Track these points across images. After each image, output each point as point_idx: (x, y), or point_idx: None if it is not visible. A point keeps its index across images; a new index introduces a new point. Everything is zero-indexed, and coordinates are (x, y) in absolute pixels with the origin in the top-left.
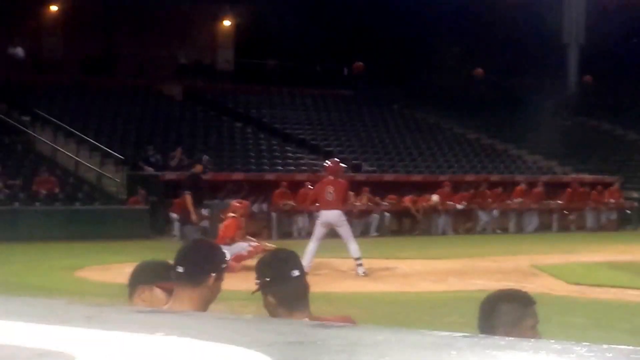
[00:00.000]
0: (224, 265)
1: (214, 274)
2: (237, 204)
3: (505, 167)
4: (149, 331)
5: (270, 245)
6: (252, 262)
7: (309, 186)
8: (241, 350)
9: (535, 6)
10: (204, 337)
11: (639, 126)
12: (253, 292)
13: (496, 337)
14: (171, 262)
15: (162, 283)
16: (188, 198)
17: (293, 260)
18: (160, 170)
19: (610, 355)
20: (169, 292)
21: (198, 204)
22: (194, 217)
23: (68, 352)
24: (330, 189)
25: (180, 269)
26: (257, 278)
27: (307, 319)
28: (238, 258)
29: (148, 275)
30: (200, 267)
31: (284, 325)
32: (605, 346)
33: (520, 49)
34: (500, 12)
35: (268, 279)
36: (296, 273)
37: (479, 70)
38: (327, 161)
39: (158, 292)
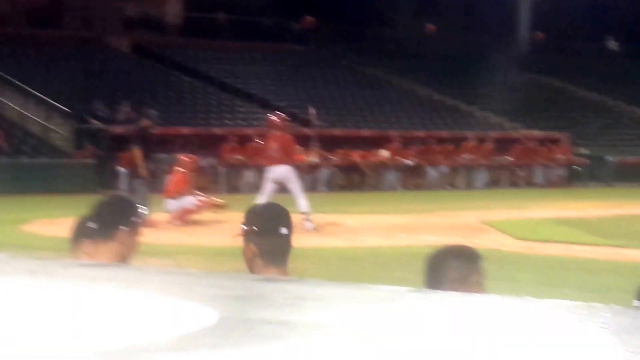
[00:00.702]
0: (135, 219)
1: (124, 228)
2: (186, 159)
3: (455, 123)
4: (93, 284)
5: (218, 200)
6: (199, 216)
7: (258, 141)
8: (186, 304)
9: None
10: (148, 291)
11: (589, 83)
12: (235, 236)
13: (441, 291)
14: None
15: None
16: (137, 152)
17: (285, 217)
18: (108, 124)
19: (554, 310)
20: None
21: (146, 158)
22: (143, 171)
23: (11, 305)
24: (279, 143)
25: (91, 225)
26: (244, 224)
27: (280, 275)
28: (185, 212)
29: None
30: (109, 221)
31: (230, 280)
32: (549, 301)
33: (472, 6)
34: None
35: (255, 229)
36: (284, 231)
37: (431, 27)
38: (272, 116)
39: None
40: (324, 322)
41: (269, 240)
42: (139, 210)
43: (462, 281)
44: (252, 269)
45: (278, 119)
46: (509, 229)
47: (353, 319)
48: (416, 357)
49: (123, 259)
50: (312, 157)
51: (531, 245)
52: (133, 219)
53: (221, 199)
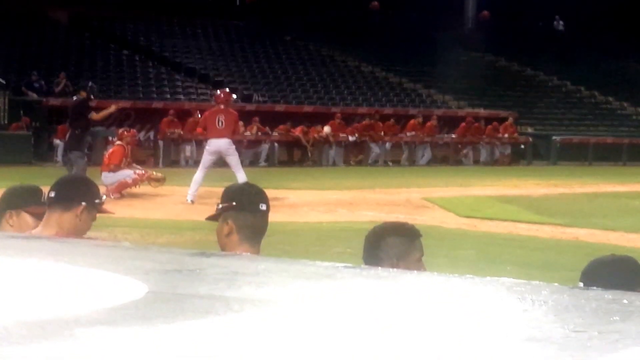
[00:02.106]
0: (97, 201)
1: (84, 203)
2: (124, 132)
3: (399, 100)
4: (23, 256)
5: (156, 173)
6: (137, 189)
7: (198, 115)
8: (117, 277)
9: None
10: (80, 264)
11: (535, 62)
12: (208, 218)
13: (379, 268)
14: (41, 187)
15: (31, 208)
16: (96, 116)
17: (263, 195)
18: (44, 96)
19: (493, 287)
20: (39, 216)
21: (84, 131)
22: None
23: None
24: (222, 117)
25: (52, 194)
26: (222, 202)
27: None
28: (122, 185)
29: (16, 200)
30: (71, 193)
31: (163, 254)
32: (488, 278)
33: None
34: None
35: (235, 204)
36: (264, 207)
37: (375, 4)
38: (217, 91)
39: (26, 217)
40: (258, 297)
41: (249, 215)
42: (100, 195)
43: (401, 258)
44: (224, 246)
45: (223, 94)
46: (451, 206)
47: (288, 295)
48: (349, 334)
49: (75, 234)
50: (252, 132)
51: (474, 223)
52: (95, 200)
53: (160, 172)
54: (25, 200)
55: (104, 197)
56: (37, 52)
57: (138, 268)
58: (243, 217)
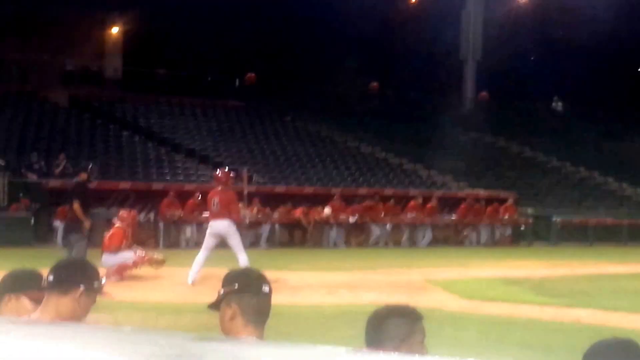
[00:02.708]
0: (96, 284)
1: (82, 287)
2: (125, 213)
3: (399, 181)
4: (23, 341)
5: (157, 255)
6: (137, 271)
7: (198, 196)
8: None
9: (433, 21)
10: (80, 349)
11: (534, 143)
12: (210, 305)
13: (381, 352)
14: (41, 271)
15: (30, 292)
16: (77, 206)
17: (264, 278)
18: (44, 178)
19: None
20: (38, 301)
21: (84, 212)
22: (87, 223)
23: None
24: (216, 199)
25: (50, 277)
26: (223, 287)
27: (252, 337)
28: (122, 268)
29: (15, 284)
30: (69, 276)
31: (163, 338)
32: None
33: (417, 64)
34: (397, 26)
35: (237, 287)
36: (267, 289)
37: (375, 84)
38: (217, 171)
39: (25, 301)
40: None
41: (252, 297)
42: (100, 278)
43: (403, 341)
44: (228, 331)
45: (222, 174)
46: (453, 288)
47: None
48: None
49: (74, 319)
50: (253, 213)
51: (475, 304)
52: (94, 283)
53: (160, 254)
54: (24, 284)
55: (104, 279)
56: (36, 133)
57: (139, 353)
58: (247, 300)
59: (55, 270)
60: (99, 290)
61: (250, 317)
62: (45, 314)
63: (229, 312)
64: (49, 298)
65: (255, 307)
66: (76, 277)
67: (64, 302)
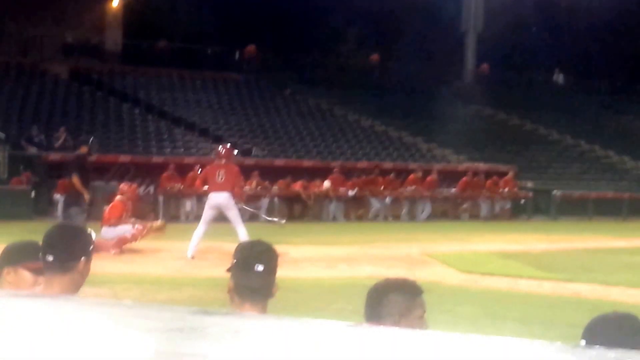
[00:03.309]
0: (92, 247)
1: (83, 258)
2: (125, 187)
3: (398, 154)
4: (25, 315)
5: (157, 223)
6: (137, 245)
7: (198, 170)
8: (119, 336)
9: None
10: (79, 322)
11: (534, 116)
12: (227, 270)
13: (382, 326)
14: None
15: (28, 263)
16: (76, 179)
17: (266, 255)
18: (44, 151)
19: (495, 346)
20: (37, 271)
21: (84, 186)
22: (86, 196)
23: None
24: (222, 171)
25: (49, 258)
26: (233, 257)
27: (253, 312)
28: (122, 241)
29: (13, 256)
30: (69, 253)
31: (165, 312)
32: (490, 337)
33: (417, 36)
34: None
35: (235, 261)
36: (259, 268)
37: (375, 57)
38: (220, 146)
39: (24, 273)
40: (261, 356)
41: (243, 275)
42: (91, 236)
43: (403, 315)
44: (230, 302)
45: (224, 149)
46: (452, 262)
47: (291, 355)
48: None
49: (78, 288)
50: (252, 187)
51: (474, 278)
52: (90, 248)
53: (159, 221)
54: (22, 256)
55: (93, 234)
56: (36, 106)
57: (140, 327)
58: (239, 277)
59: (53, 250)
60: (94, 249)
61: (244, 294)
62: (49, 291)
63: (228, 286)
64: (52, 277)
65: (247, 285)
66: (75, 252)
67: (69, 279)
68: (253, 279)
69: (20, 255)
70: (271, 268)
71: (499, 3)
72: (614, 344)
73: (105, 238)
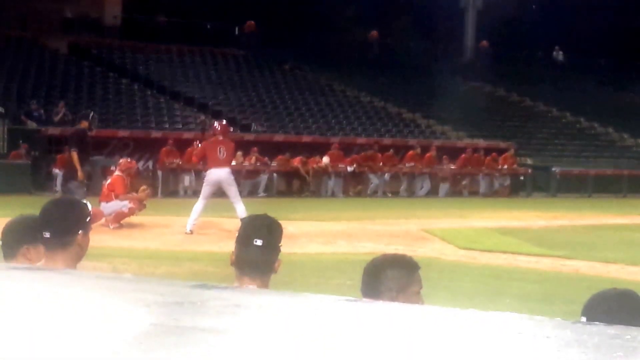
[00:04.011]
0: (88, 219)
1: (80, 231)
2: (124, 162)
3: (397, 130)
4: (24, 288)
5: (139, 193)
6: (135, 219)
7: (198, 144)
8: (119, 309)
9: None
10: (81, 295)
11: (534, 93)
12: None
13: (379, 302)
14: None
15: None
16: (74, 155)
17: (266, 230)
18: (44, 125)
19: (494, 321)
20: None
21: (84, 160)
22: (80, 174)
23: None
24: (222, 147)
25: (47, 234)
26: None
27: (252, 286)
28: (119, 215)
29: (35, 235)
30: (65, 228)
31: (164, 286)
32: (489, 312)
33: (417, 12)
34: None
35: (237, 235)
36: (259, 242)
37: (374, 33)
38: (216, 123)
39: (42, 251)
40: (260, 331)
41: (242, 248)
42: (87, 208)
43: (400, 291)
44: (235, 277)
45: (221, 126)
46: (450, 238)
47: (290, 329)
48: None
49: (78, 260)
50: (251, 162)
51: (473, 255)
52: (87, 219)
53: (158, 203)
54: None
55: (89, 204)
56: (36, 80)
57: (140, 300)
58: (238, 250)
59: (49, 226)
60: (91, 220)
61: (242, 268)
62: (51, 266)
63: (231, 259)
64: (52, 253)
65: (245, 259)
66: (71, 226)
67: (69, 253)
68: (252, 253)
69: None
70: (272, 243)
71: None
72: (613, 320)
73: (104, 213)
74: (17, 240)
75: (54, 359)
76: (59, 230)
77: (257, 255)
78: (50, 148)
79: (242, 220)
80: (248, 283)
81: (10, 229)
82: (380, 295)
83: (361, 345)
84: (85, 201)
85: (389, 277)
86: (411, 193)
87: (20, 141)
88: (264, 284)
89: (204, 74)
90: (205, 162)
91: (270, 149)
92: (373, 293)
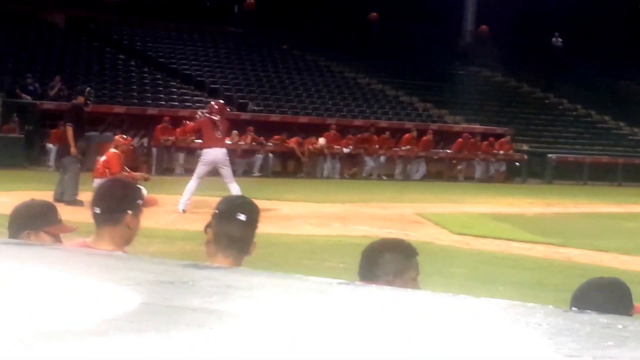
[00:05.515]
0: (140, 202)
1: (130, 212)
2: (121, 139)
3: (394, 113)
4: (17, 264)
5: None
6: None
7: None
8: (110, 288)
9: None
10: (73, 272)
11: (532, 79)
12: (205, 226)
13: (372, 285)
14: (51, 201)
15: (50, 228)
16: (69, 130)
17: (246, 207)
18: (39, 99)
19: (487, 308)
20: (57, 237)
21: (79, 136)
22: (73, 149)
23: None
24: (220, 127)
25: (97, 210)
26: (215, 209)
27: (227, 265)
28: None
29: (35, 220)
30: (115, 206)
31: (157, 265)
32: (482, 299)
33: None
34: None
35: (217, 212)
36: (242, 217)
37: (374, 15)
38: (212, 101)
39: (45, 237)
40: (252, 312)
41: (224, 224)
42: (142, 192)
43: (397, 276)
44: (206, 255)
45: (218, 105)
46: (445, 223)
47: (282, 311)
48: (343, 352)
49: (128, 242)
50: (246, 142)
51: (467, 240)
52: (138, 202)
53: (152, 181)
54: (44, 220)
55: (144, 190)
56: (32, 54)
57: (131, 278)
58: (220, 225)
59: (100, 202)
60: (143, 204)
61: (221, 244)
62: (99, 244)
63: (207, 237)
64: (101, 229)
65: (227, 233)
66: (122, 205)
67: (117, 232)
68: (234, 227)
69: (42, 218)
70: (251, 221)
71: None
72: (600, 309)
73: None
74: (21, 224)
75: (42, 337)
76: (108, 207)
77: (239, 230)
78: (44, 122)
79: (223, 199)
80: (221, 261)
81: (17, 213)
82: (377, 279)
83: (354, 328)
84: (141, 187)
85: (387, 261)
86: (406, 176)
87: (14, 115)
88: (237, 264)
89: (201, 52)
90: (202, 139)
91: (266, 129)
92: (370, 276)
